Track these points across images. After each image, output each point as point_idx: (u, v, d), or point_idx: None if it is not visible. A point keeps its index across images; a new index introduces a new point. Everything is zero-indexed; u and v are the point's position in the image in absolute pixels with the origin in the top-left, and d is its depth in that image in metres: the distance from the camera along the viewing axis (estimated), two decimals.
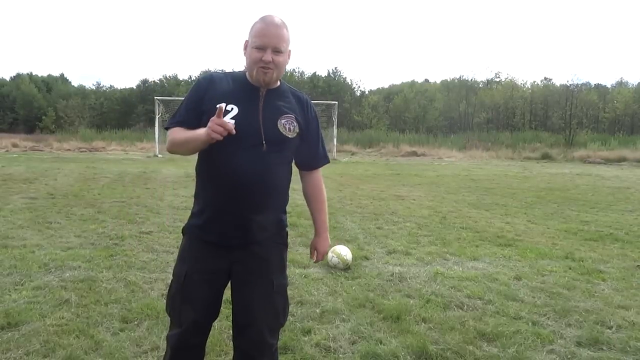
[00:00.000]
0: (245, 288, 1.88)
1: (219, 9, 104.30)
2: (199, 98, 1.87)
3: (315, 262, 2.25)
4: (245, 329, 1.90)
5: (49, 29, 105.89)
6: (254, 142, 1.79)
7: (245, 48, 1.88)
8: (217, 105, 1.71)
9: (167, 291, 2.06)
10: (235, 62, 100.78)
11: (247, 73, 1.90)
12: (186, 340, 1.95)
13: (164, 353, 2.64)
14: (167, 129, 1.91)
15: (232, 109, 1.80)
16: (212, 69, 57.54)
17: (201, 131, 1.72)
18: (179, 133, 1.84)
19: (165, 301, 2.10)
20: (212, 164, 1.84)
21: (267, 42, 1.79)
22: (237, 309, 1.91)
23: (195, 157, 1.94)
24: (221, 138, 1.66)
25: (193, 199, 1.96)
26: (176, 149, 1.86)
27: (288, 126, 1.85)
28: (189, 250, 1.94)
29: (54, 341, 2.75)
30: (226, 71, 1.99)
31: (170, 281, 2.00)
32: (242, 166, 1.78)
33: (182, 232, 1.98)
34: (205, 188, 1.89)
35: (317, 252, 2.13)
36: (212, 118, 1.69)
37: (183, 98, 1.95)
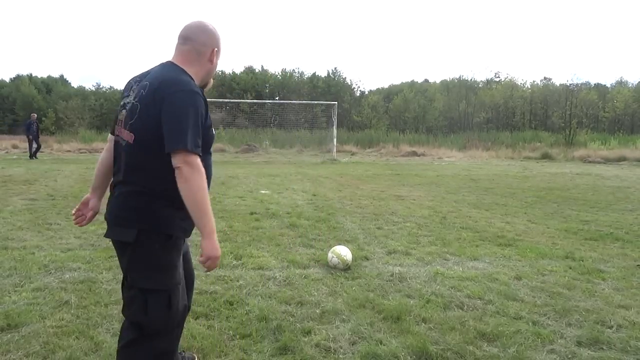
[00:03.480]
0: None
1: (216, 10, 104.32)
2: (202, 119, 1.87)
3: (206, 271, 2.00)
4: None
5: (48, 30, 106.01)
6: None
7: (213, 57, 1.96)
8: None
9: (167, 309, 1.91)
10: (233, 62, 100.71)
11: (195, 80, 1.90)
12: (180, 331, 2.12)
13: None
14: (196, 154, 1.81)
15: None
16: None
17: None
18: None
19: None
20: None
21: None
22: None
23: None
24: None
25: (167, 201, 1.87)
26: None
27: None
28: (178, 251, 1.95)
29: (54, 342, 2.75)
30: (191, 81, 1.89)
31: (166, 297, 1.90)
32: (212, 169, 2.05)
33: (170, 236, 1.89)
34: None
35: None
36: None
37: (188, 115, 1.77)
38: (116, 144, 1.96)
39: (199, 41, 1.93)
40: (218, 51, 1.93)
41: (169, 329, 1.94)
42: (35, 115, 20.76)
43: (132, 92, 1.91)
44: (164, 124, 1.77)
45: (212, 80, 1.99)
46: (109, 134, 2.08)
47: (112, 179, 2.02)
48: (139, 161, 1.85)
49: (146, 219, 1.86)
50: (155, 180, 1.85)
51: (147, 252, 1.87)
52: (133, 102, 1.86)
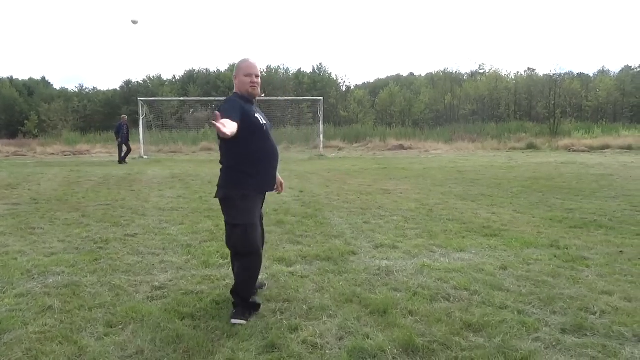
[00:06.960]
0: None
1: (201, 9, 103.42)
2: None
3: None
4: None
5: (29, 31, 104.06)
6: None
7: (236, 78, 3.43)
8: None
9: None
10: (217, 60, 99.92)
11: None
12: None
13: (147, 357, 2.63)
14: None
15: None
16: (196, 69, 57.28)
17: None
18: None
19: None
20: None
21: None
22: None
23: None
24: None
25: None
26: None
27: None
28: None
29: (37, 349, 2.70)
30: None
31: None
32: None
33: None
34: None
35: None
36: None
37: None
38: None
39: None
40: (238, 74, 3.39)
41: None
42: (126, 117, 18.99)
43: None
44: None
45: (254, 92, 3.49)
46: None
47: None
48: None
49: None
50: None
51: None
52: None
